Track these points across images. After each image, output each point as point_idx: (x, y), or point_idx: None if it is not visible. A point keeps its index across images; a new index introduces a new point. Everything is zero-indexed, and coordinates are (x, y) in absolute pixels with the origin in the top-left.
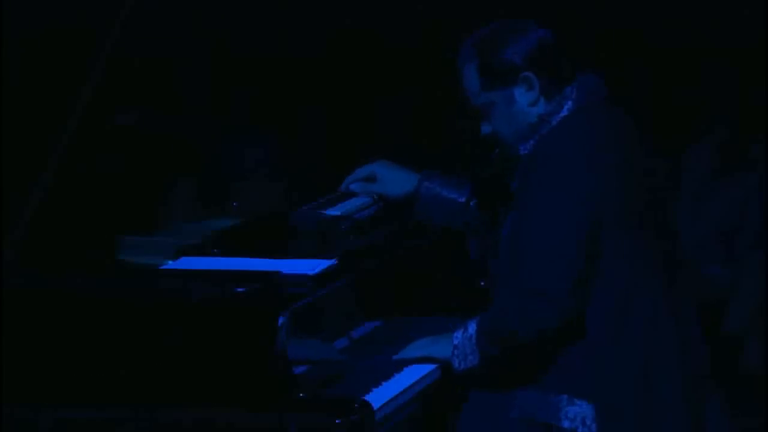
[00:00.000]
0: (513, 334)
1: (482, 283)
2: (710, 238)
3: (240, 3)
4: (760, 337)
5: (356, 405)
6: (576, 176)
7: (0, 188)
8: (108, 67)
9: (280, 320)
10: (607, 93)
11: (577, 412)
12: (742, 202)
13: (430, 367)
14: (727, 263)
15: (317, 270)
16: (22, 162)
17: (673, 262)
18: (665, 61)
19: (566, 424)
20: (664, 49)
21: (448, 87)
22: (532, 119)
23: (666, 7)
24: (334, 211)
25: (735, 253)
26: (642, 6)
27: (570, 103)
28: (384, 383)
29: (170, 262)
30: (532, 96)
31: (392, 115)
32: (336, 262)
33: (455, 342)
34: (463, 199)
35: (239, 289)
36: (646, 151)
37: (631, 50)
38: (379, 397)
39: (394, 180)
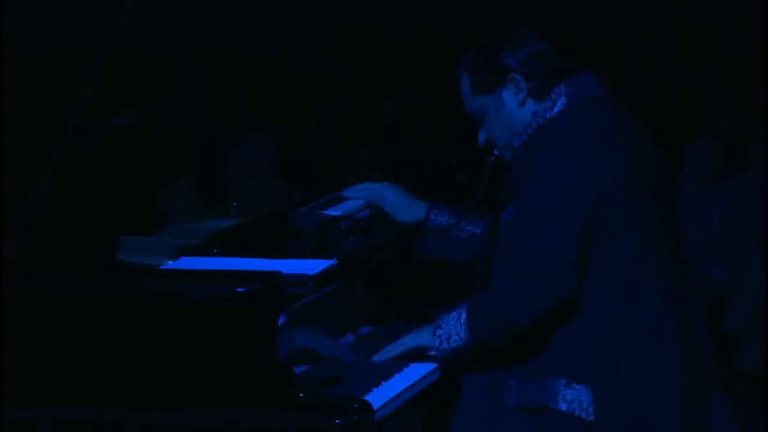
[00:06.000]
0: (507, 318)
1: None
2: (710, 238)
3: (240, 3)
4: (760, 337)
5: (356, 405)
6: (571, 161)
7: (0, 188)
8: (108, 68)
9: (280, 320)
10: (603, 92)
11: (575, 395)
12: (742, 202)
13: (431, 366)
14: (727, 263)
15: (317, 270)
16: (22, 162)
17: (678, 257)
18: (665, 61)
19: (563, 407)
20: (664, 49)
21: (451, 88)
22: (526, 117)
23: (666, 8)
24: (334, 211)
25: (735, 253)
26: (642, 6)
27: (564, 98)
28: (384, 383)
29: (170, 262)
30: (521, 97)
31: (393, 115)
32: (336, 262)
33: (438, 322)
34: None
35: (239, 289)
36: (650, 145)
37: (631, 50)
38: (379, 397)
39: (403, 206)
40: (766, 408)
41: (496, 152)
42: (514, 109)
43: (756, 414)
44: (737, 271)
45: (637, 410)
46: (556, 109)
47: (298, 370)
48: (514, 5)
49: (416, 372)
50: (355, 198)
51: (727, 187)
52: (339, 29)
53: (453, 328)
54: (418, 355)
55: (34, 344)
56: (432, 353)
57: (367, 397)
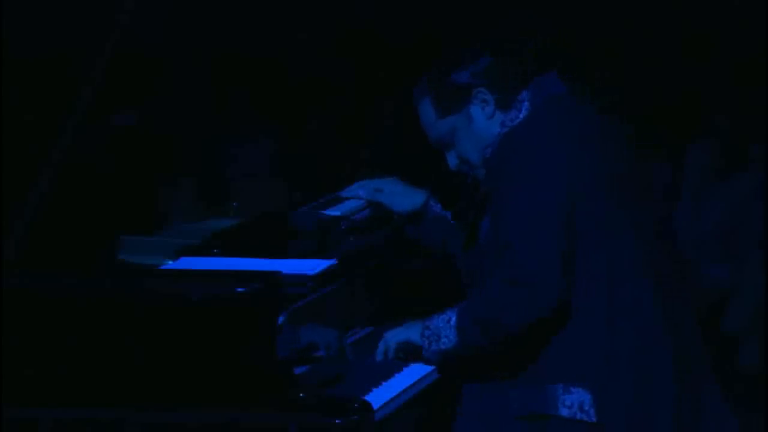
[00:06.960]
0: (499, 323)
1: None
2: (710, 238)
3: (240, 3)
4: (760, 337)
5: (356, 405)
6: (543, 163)
7: (0, 188)
8: (108, 68)
9: (280, 320)
10: (567, 89)
11: (574, 399)
12: (742, 202)
13: (431, 366)
14: (727, 263)
15: (317, 270)
16: (22, 162)
17: (666, 257)
18: (665, 61)
19: (564, 412)
20: (664, 49)
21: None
22: (495, 129)
23: (666, 8)
24: (334, 212)
25: (735, 253)
26: (642, 6)
27: (527, 103)
28: (384, 383)
29: (170, 262)
30: (489, 110)
31: (393, 115)
32: (336, 262)
33: (427, 323)
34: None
35: (239, 289)
36: (621, 141)
37: (631, 50)
38: (379, 397)
39: (402, 194)
40: (766, 408)
41: (470, 173)
42: (483, 124)
43: (756, 414)
44: (737, 271)
45: (637, 410)
46: (521, 115)
47: (298, 370)
48: (514, 5)
49: (416, 372)
50: (354, 197)
51: (727, 187)
52: (339, 29)
53: (442, 330)
54: (412, 354)
55: (34, 344)
56: (423, 353)
57: (367, 397)
